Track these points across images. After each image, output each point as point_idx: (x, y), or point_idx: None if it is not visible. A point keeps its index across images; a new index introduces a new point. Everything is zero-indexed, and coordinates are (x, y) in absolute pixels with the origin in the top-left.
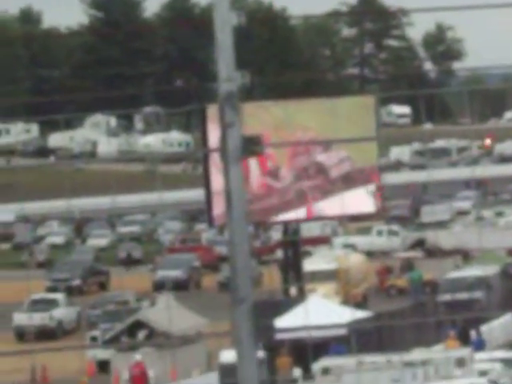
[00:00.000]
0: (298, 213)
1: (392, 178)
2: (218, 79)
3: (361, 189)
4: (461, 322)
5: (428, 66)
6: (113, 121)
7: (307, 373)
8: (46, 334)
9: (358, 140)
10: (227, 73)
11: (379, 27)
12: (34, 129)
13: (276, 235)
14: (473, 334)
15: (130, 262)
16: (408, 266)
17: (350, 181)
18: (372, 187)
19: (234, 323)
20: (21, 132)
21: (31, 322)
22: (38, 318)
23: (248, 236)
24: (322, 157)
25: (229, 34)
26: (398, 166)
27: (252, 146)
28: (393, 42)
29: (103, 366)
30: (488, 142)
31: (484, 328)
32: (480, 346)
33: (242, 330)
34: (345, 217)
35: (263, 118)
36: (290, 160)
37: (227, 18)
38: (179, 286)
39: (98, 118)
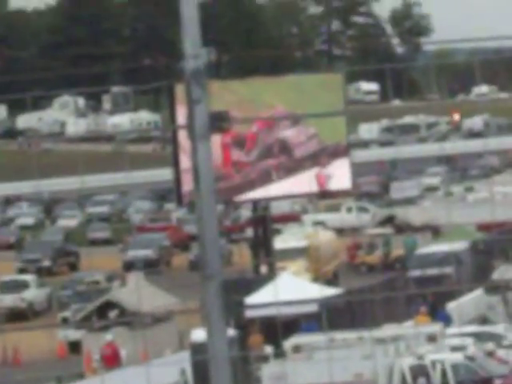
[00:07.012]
0: (266, 190)
1: (361, 155)
2: (184, 56)
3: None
4: (431, 297)
5: (395, 42)
6: (81, 101)
7: (278, 350)
8: (16, 316)
9: (326, 115)
10: (193, 49)
11: (346, 4)
12: (2, 110)
13: (245, 213)
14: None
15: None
16: (384, 241)
17: (316, 158)
18: (316, 171)
19: (203, 300)
20: None
21: (1, 304)
22: (9, 300)
23: (216, 212)
24: (287, 133)
25: (194, 10)
26: (365, 143)
27: (219, 122)
28: (360, 19)
29: (74, 347)
30: (456, 117)
31: (454, 303)
32: (446, 321)
33: (211, 306)
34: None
35: (227, 97)
36: (255, 138)
37: None
38: (149, 266)
39: (67, 98)
